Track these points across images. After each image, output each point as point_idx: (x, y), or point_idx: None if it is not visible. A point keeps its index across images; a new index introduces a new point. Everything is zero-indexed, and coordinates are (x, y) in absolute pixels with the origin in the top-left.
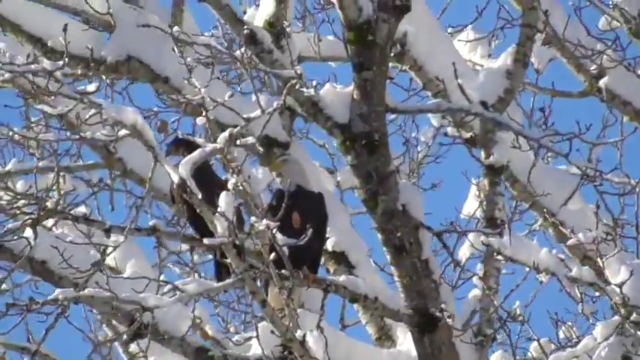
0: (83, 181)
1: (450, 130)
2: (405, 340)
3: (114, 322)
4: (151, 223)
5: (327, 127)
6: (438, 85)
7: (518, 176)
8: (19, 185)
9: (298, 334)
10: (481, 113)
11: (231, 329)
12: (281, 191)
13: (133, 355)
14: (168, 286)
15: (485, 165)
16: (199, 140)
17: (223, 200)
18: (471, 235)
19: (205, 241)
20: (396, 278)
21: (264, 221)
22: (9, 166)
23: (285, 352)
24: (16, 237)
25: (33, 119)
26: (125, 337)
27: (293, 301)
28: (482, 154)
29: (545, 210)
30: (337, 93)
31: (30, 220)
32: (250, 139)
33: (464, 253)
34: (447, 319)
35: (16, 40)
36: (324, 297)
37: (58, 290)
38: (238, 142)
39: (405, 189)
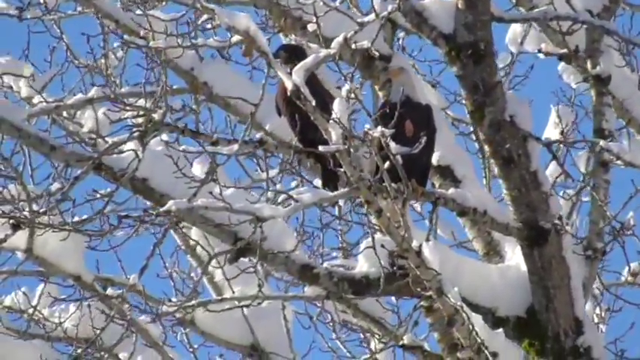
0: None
1: (544, 45)
2: (513, 255)
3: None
4: (258, 136)
5: (432, 37)
6: None
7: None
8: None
9: (414, 244)
10: (589, 21)
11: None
12: (389, 102)
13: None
14: (282, 196)
15: (592, 75)
16: (312, 45)
17: (337, 107)
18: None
19: (321, 148)
20: (504, 191)
21: (379, 128)
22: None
23: (395, 268)
24: (120, 152)
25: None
26: (230, 254)
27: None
28: (589, 65)
29: None
30: (442, 2)
31: (138, 133)
32: (366, 43)
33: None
34: (564, 230)
35: None
36: (433, 210)
37: (171, 201)
38: (354, 45)
39: (511, 100)
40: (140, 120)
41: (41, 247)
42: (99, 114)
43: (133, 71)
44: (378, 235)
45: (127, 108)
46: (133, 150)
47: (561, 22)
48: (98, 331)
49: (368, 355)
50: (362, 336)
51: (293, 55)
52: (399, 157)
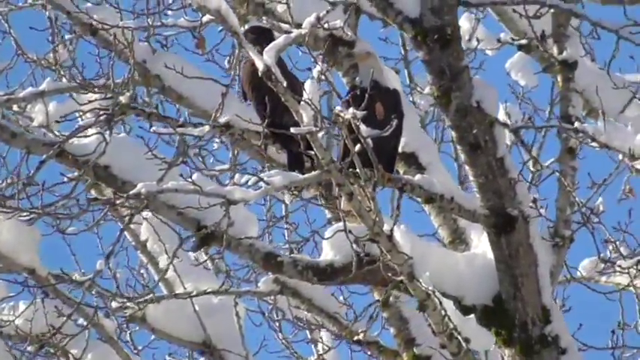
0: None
1: (502, 35)
2: (479, 242)
3: None
4: (224, 119)
5: (398, 21)
6: None
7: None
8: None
9: (385, 228)
10: (557, 4)
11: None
12: (357, 87)
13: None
14: (252, 179)
15: (559, 60)
16: (283, 25)
17: (308, 88)
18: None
19: (293, 130)
20: (470, 177)
21: (351, 110)
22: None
23: (362, 255)
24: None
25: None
26: (195, 241)
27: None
28: (555, 50)
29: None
30: None
31: (105, 116)
32: (338, 22)
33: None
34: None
35: None
36: (399, 196)
37: (140, 184)
38: (326, 25)
39: (478, 85)
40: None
41: None
42: (49, 107)
43: (84, 64)
44: (339, 224)
45: (95, 90)
46: (100, 133)
47: (528, 5)
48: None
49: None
50: (309, 335)
51: (261, 36)
52: (369, 141)
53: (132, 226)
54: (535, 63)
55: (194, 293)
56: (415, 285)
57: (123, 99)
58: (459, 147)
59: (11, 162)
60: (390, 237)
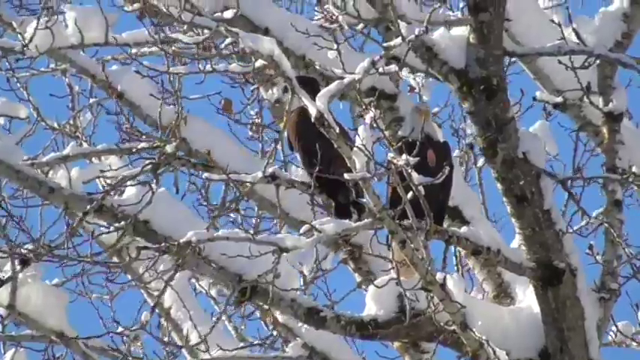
0: None
1: (538, 94)
2: (524, 296)
3: None
4: (270, 170)
5: (443, 72)
6: None
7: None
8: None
9: (438, 276)
10: (605, 54)
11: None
12: (404, 138)
13: None
14: (304, 227)
15: (604, 112)
16: (336, 71)
17: (361, 134)
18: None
19: (346, 175)
20: (517, 230)
21: (404, 156)
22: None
23: (399, 313)
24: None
25: None
26: (237, 296)
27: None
28: (601, 102)
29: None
30: (452, 37)
31: (150, 165)
32: (393, 67)
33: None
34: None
35: None
36: (445, 249)
37: (191, 232)
38: (381, 69)
39: (524, 136)
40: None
41: (23, 304)
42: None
43: (103, 131)
44: (382, 277)
45: (143, 138)
46: (147, 183)
47: (575, 56)
48: None
49: None
50: None
51: (307, 86)
52: (421, 188)
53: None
54: (555, 129)
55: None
56: (468, 335)
57: (169, 148)
58: (505, 199)
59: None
60: (444, 286)
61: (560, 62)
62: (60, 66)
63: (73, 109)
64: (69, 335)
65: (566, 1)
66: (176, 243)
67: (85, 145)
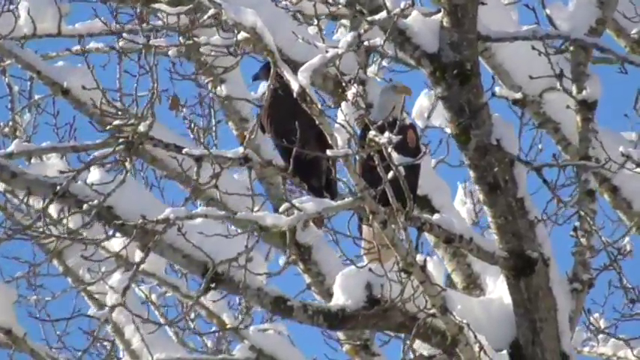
0: None
1: (498, 89)
2: (495, 287)
3: None
4: (242, 152)
5: (415, 56)
6: None
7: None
8: None
9: (419, 258)
10: (582, 39)
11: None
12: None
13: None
14: (284, 205)
15: (578, 100)
16: (319, 45)
17: (344, 110)
18: None
19: (329, 152)
20: (489, 218)
21: (386, 134)
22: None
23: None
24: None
25: None
26: (203, 285)
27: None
28: (574, 89)
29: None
30: (425, 21)
31: (124, 144)
32: (378, 40)
33: None
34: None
35: None
36: (418, 236)
37: (168, 209)
38: (366, 42)
39: (498, 122)
40: None
41: None
42: None
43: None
44: (352, 267)
45: (119, 114)
46: (121, 160)
47: (550, 40)
48: None
49: None
50: None
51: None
52: (401, 169)
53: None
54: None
55: None
56: (448, 318)
57: (142, 127)
58: (477, 187)
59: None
60: (424, 268)
61: (533, 48)
62: (2, 62)
63: (12, 110)
64: (16, 333)
65: None
66: (155, 220)
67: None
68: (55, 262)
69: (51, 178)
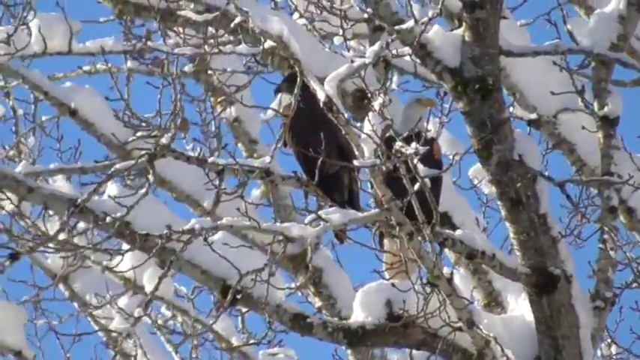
0: None
1: (512, 110)
2: (516, 305)
3: None
4: (264, 165)
5: (437, 71)
6: None
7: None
8: None
9: (445, 271)
10: (604, 54)
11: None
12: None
13: None
14: (310, 216)
15: (600, 116)
16: (347, 54)
17: (371, 120)
18: None
19: (356, 162)
20: (511, 234)
21: (413, 145)
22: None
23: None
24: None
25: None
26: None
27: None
28: (596, 105)
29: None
30: (446, 35)
31: (147, 156)
32: (407, 50)
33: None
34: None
35: None
36: (439, 252)
37: (194, 220)
38: (394, 51)
39: (520, 138)
40: None
41: None
42: None
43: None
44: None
45: (143, 124)
46: (146, 170)
47: (573, 55)
48: None
49: None
50: None
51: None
52: (427, 181)
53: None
54: None
55: None
56: (474, 332)
57: (164, 139)
58: (499, 202)
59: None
60: (451, 280)
61: (555, 63)
62: (9, 84)
63: (16, 133)
64: (26, 355)
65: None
66: (180, 230)
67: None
68: (61, 286)
69: (67, 193)
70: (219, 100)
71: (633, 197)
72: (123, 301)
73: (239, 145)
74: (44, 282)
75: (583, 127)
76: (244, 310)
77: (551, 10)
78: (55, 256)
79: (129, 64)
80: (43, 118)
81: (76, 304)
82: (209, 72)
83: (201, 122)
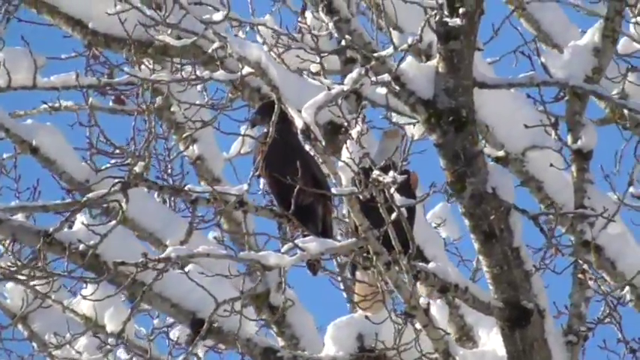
0: None
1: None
2: (488, 339)
3: None
4: (239, 195)
5: (410, 102)
6: None
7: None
8: None
9: (422, 301)
10: (580, 86)
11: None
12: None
13: None
14: (287, 245)
15: (573, 150)
16: (325, 81)
17: (350, 148)
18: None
19: (334, 190)
20: (484, 268)
21: (391, 173)
22: None
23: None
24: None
25: None
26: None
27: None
28: (569, 139)
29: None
30: (420, 66)
31: (120, 184)
32: (386, 76)
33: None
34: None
35: (53, 22)
36: (413, 284)
37: (170, 247)
38: (373, 78)
39: (493, 170)
40: None
41: None
42: None
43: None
44: (343, 318)
45: (116, 152)
46: (116, 201)
47: (548, 87)
48: None
49: None
50: None
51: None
52: (403, 210)
53: None
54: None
55: None
56: None
57: (137, 168)
58: (472, 236)
59: None
60: (427, 311)
61: (529, 96)
62: None
63: None
64: None
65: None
66: (157, 259)
67: None
68: (20, 326)
69: (35, 225)
70: (183, 136)
71: (602, 235)
72: (82, 342)
73: (202, 183)
74: (4, 321)
75: (551, 165)
76: (213, 343)
77: (520, 46)
78: (14, 296)
79: (91, 100)
80: (5, 156)
81: (35, 344)
82: (172, 109)
83: (164, 159)
